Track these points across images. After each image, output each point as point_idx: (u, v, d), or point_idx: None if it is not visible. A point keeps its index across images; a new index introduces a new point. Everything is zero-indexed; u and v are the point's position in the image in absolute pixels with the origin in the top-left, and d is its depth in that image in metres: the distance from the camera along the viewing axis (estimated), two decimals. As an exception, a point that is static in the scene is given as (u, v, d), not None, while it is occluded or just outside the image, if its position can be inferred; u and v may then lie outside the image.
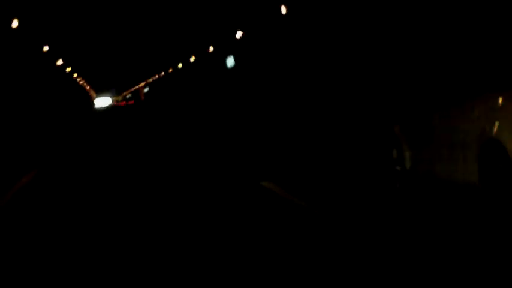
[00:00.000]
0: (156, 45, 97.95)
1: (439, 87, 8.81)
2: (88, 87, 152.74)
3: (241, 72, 52.37)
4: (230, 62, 56.83)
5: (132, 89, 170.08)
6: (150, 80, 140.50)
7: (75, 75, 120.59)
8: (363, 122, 21.53)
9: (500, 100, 7.43)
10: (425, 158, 8.94)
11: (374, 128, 16.89)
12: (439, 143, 8.58)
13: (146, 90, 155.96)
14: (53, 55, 72.79)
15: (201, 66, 71.15)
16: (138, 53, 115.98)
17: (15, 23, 50.98)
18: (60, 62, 76.00)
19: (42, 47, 63.53)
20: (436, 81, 8.92)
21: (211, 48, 64.64)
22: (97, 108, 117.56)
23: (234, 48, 55.86)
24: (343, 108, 27.93)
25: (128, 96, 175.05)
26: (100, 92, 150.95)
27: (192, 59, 78.79)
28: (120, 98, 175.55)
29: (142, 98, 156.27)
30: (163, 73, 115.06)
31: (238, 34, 52.73)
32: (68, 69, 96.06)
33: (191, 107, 58.36)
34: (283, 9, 42.15)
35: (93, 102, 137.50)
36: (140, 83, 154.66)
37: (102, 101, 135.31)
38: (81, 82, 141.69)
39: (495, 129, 7.41)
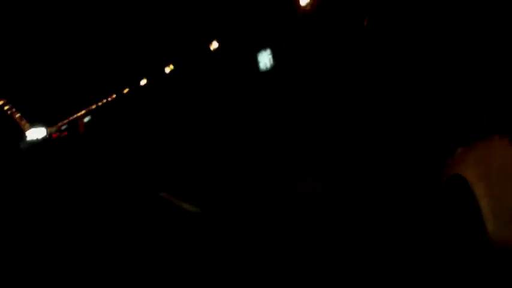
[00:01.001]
0: (108, 53, 73.86)
1: None
2: (18, 116, 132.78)
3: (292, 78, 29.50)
4: (265, 59, 33.71)
5: (70, 118, 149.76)
6: (94, 106, 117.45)
7: (1, 102, 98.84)
8: None
9: None
10: None
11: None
12: None
13: (87, 119, 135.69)
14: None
15: (194, 74, 47.38)
16: (83, 69, 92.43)
17: None
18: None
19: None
20: None
21: (214, 44, 40.98)
22: (27, 141, 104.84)
23: (271, 37, 32.90)
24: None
25: (64, 127, 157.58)
26: (34, 122, 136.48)
27: (169, 69, 55.10)
28: (54, 129, 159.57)
29: (82, 130, 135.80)
30: (114, 96, 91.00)
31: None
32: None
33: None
34: None
35: (24, 135, 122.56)
36: (81, 110, 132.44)
37: (35, 133, 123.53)
38: (9, 112, 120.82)
39: None
